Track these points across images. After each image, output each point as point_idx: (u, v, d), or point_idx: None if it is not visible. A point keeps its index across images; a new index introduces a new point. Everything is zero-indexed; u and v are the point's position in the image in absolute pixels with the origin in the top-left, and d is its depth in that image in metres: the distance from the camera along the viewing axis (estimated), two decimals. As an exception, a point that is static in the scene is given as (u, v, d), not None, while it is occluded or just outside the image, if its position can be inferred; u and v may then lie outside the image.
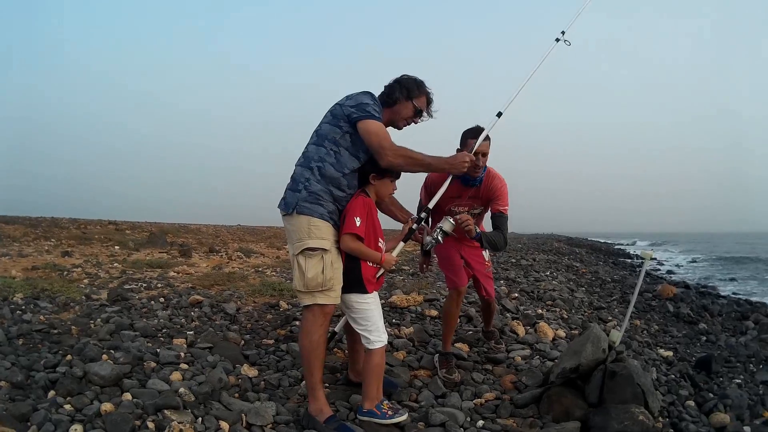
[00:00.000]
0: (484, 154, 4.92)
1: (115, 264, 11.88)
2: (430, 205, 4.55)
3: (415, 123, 4.26)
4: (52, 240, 16.49)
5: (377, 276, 4.16)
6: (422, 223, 4.50)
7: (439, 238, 4.47)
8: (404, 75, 4.20)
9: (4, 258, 11.32)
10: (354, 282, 4.02)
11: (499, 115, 4.99)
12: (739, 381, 7.33)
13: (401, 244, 4.45)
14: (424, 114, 4.27)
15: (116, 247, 15.76)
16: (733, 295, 19.00)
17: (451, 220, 4.50)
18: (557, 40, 5.28)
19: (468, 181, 5.07)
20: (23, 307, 6.57)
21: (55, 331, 5.62)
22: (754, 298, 18.16)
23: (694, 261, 41.02)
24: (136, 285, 8.91)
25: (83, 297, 7.48)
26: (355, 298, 4.04)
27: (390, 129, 4.20)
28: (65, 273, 9.95)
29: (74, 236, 18.03)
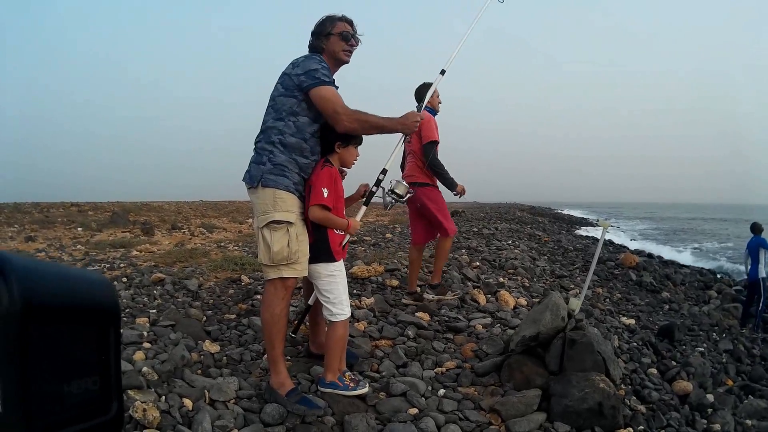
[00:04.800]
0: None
1: (78, 246, 11.76)
2: (387, 166, 4.56)
3: (354, 46, 4.22)
4: (15, 226, 16.23)
5: (343, 244, 4.17)
6: (380, 184, 4.51)
7: (397, 198, 4.51)
8: (315, 25, 4.19)
9: None
10: (322, 252, 4.02)
11: (443, 72, 5.15)
12: (702, 349, 7.46)
13: (363, 208, 4.45)
14: (354, 34, 4.21)
15: (79, 229, 15.57)
16: (695, 265, 19.30)
17: (405, 183, 4.53)
18: None
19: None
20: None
21: (19, 318, 5.57)
22: (709, 266, 18.52)
23: (652, 230, 41.66)
24: (99, 266, 8.83)
25: (47, 282, 7.41)
26: (323, 269, 4.03)
27: (344, 73, 4.24)
28: (29, 259, 9.84)
29: (37, 220, 17.80)
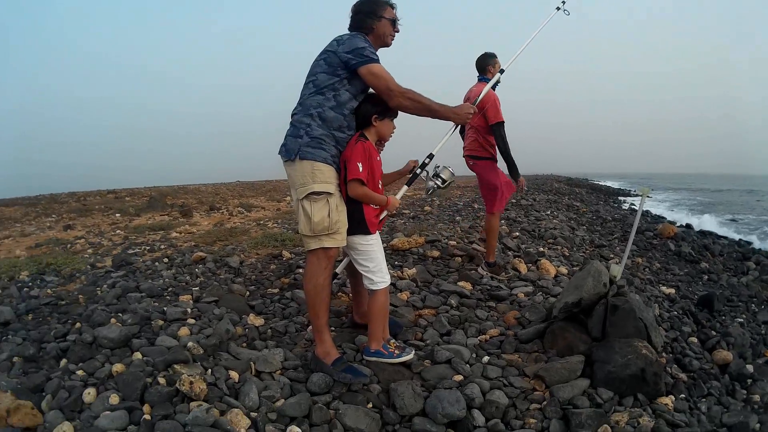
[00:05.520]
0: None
1: (117, 231, 11.85)
2: (435, 151, 4.55)
3: (398, 32, 4.24)
4: (53, 216, 16.32)
5: (380, 217, 4.20)
6: (425, 168, 4.51)
7: (439, 184, 4.51)
8: (356, 3, 4.18)
9: (6, 240, 11.22)
10: (357, 224, 4.05)
11: (502, 71, 5.35)
12: (741, 320, 7.36)
13: (404, 187, 4.47)
14: (398, 21, 4.23)
15: (117, 215, 15.66)
16: (733, 237, 19.04)
17: (451, 169, 4.53)
18: (557, 8, 5.63)
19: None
20: (30, 284, 6.61)
21: (63, 303, 5.65)
22: (747, 238, 18.23)
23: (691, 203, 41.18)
24: (140, 249, 8.92)
25: (88, 266, 7.50)
26: (359, 240, 4.07)
27: (384, 51, 4.22)
28: (68, 246, 9.94)
29: (74, 209, 17.90)
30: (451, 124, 4.47)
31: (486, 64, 6.65)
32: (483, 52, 6.67)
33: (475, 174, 7.10)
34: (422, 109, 4.06)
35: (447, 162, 4.61)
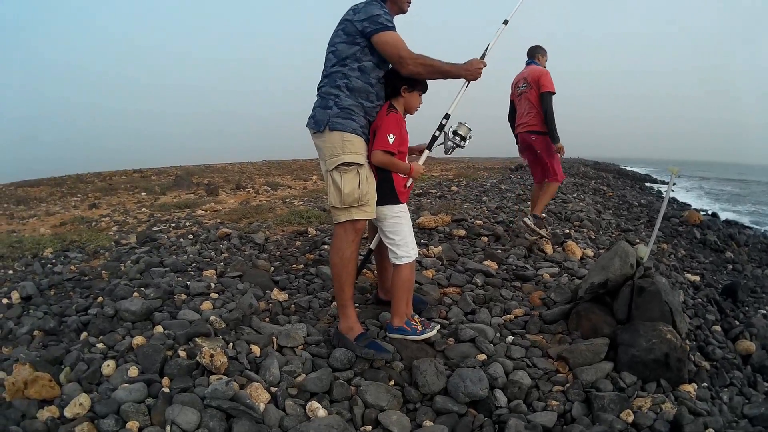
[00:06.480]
0: None
1: (143, 209, 11.88)
2: (450, 111, 4.47)
3: None
4: (79, 195, 16.30)
5: (407, 185, 4.17)
6: (443, 129, 4.45)
7: (457, 142, 4.44)
8: None
9: (32, 219, 11.26)
10: (387, 193, 4.04)
11: (506, 22, 5.02)
12: (765, 312, 7.27)
13: (426, 152, 4.41)
14: None
15: (143, 194, 15.64)
16: (757, 228, 18.83)
17: (467, 125, 4.46)
18: None
19: None
20: (53, 260, 6.72)
21: (86, 278, 5.72)
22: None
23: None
24: (165, 226, 8.97)
25: (112, 243, 7.59)
26: (388, 211, 4.05)
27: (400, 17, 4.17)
28: (93, 224, 10.01)
29: (100, 188, 17.88)
30: (462, 81, 4.36)
31: (536, 53, 7.75)
32: (535, 44, 7.71)
33: (528, 151, 7.83)
34: (435, 72, 4.02)
35: (463, 120, 4.55)
